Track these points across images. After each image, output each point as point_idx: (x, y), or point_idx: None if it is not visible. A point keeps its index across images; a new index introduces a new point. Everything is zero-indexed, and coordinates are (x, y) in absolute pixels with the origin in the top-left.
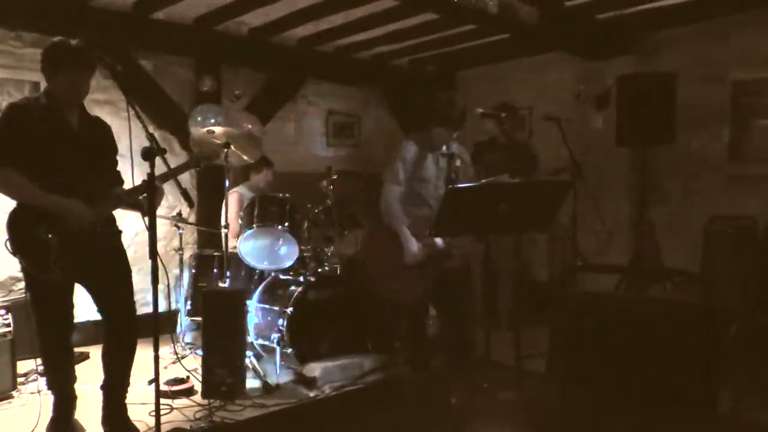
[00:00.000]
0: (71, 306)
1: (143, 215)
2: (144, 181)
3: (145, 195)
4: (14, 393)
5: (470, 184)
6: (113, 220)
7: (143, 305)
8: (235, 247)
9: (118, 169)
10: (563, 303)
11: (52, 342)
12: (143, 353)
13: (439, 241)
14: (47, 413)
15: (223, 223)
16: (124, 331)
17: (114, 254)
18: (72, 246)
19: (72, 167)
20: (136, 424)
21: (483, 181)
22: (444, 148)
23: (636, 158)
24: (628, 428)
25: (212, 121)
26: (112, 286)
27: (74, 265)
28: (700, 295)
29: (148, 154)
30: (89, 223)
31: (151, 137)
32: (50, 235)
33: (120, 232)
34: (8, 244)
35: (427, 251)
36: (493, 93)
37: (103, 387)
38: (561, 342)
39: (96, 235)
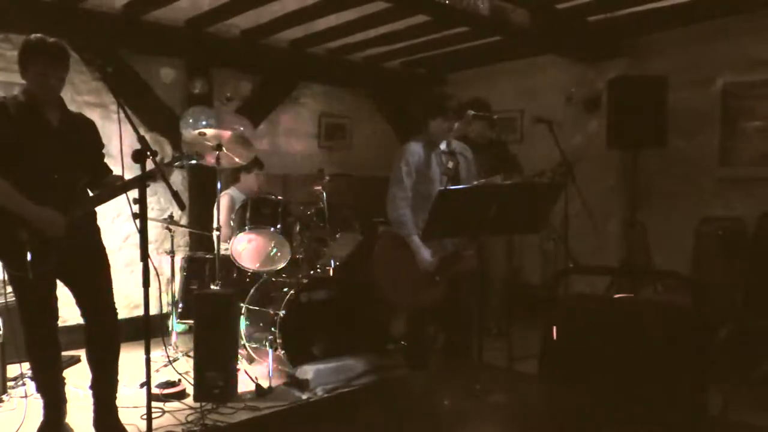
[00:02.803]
0: (54, 301)
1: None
2: (140, 176)
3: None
4: (4, 397)
5: (461, 186)
6: (93, 215)
7: (134, 308)
8: (227, 250)
9: (105, 162)
10: (555, 305)
11: (36, 338)
12: (134, 356)
13: (448, 243)
14: (33, 417)
15: (214, 225)
16: (102, 325)
17: (91, 249)
18: (48, 244)
19: (51, 164)
20: (128, 427)
21: (475, 183)
22: (444, 146)
23: (627, 160)
24: (618, 429)
25: (204, 123)
26: (89, 281)
27: (49, 263)
28: (690, 296)
29: (139, 157)
30: (62, 231)
31: (141, 139)
32: (24, 235)
33: (98, 229)
34: None
35: (439, 256)
36: (485, 95)
37: (91, 387)
38: (553, 344)
39: (73, 232)
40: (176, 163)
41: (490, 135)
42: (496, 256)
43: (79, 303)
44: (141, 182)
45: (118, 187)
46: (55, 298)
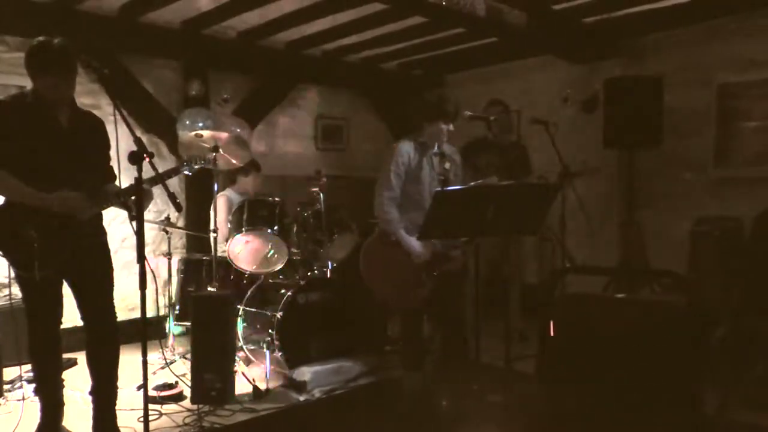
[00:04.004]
0: (60, 302)
1: (130, 215)
2: (134, 181)
3: (133, 197)
4: (0, 400)
5: (458, 187)
6: (99, 218)
7: (131, 310)
8: (224, 251)
9: (111, 165)
10: (552, 305)
11: (40, 339)
12: (132, 358)
13: (437, 243)
14: (30, 419)
15: (211, 227)
16: (103, 328)
17: (96, 252)
18: (55, 245)
19: (60, 165)
20: (125, 429)
21: (472, 183)
22: (435, 148)
23: (623, 161)
24: (615, 428)
25: (200, 124)
26: (93, 286)
27: (56, 264)
28: (686, 296)
29: (136, 159)
30: (85, 207)
31: (138, 141)
32: (33, 234)
33: (105, 232)
34: None
35: (429, 251)
36: (481, 96)
37: (91, 393)
38: (550, 344)
39: (79, 234)
40: (184, 169)
41: (510, 137)
42: (509, 259)
43: (81, 305)
44: (139, 186)
45: (119, 192)
46: (61, 299)
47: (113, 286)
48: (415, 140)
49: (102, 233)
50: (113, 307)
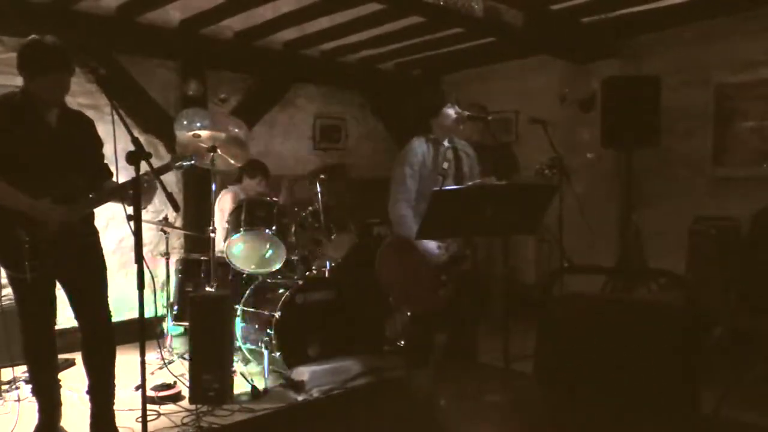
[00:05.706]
0: (53, 303)
1: (127, 215)
2: (134, 179)
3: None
4: None
5: (456, 187)
6: (91, 218)
7: (129, 310)
8: (222, 252)
9: (106, 163)
10: (550, 305)
11: (34, 340)
12: (130, 359)
13: (451, 244)
14: (27, 420)
15: (216, 224)
16: (99, 328)
17: (89, 253)
18: (46, 245)
19: (49, 166)
20: (123, 430)
21: (469, 183)
22: (446, 142)
23: (621, 160)
24: (613, 429)
25: (198, 124)
26: (86, 285)
27: (47, 265)
28: (684, 296)
29: (133, 158)
30: (60, 223)
31: (135, 141)
32: (23, 235)
33: (96, 231)
34: None
35: (447, 252)
36: (479, 97)
37: (88, 392)
38: (548, 344)
39: (71, 234)
40: (176, 164)
41: (492, 138)
42: (494, 258)
43: (75, 306)
44: (136, 184)
45: (115, 189)
46: (54, 300)
47: (107, 285)
48: (426, 137)
49: (94, 233)
50: (108, 306)
